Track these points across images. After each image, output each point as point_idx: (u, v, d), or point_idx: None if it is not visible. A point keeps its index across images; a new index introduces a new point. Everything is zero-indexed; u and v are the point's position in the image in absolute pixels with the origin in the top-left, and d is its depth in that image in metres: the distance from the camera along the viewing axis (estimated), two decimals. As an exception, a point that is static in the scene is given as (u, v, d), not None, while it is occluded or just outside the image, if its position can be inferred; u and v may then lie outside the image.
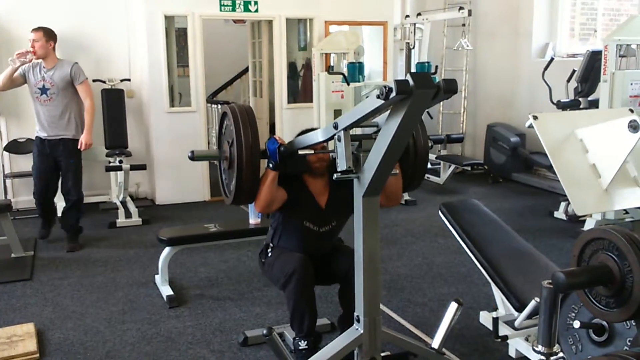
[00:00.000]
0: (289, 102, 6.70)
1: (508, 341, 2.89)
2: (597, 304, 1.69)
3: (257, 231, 3.92)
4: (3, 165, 6.00)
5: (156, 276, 4.03)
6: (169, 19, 6.23)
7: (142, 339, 3.25)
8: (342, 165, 2.27)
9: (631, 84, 4.73)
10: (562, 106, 5.56)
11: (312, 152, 2.67)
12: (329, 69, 6.60)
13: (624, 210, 4.80)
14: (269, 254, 3.02)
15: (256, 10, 6.34)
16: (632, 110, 3.24)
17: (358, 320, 2.43)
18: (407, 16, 7.58)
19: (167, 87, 6.14)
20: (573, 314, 2.16)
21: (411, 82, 1.88)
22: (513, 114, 7.30)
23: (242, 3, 6.25)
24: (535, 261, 3.07)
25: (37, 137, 4.76)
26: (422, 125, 2.73)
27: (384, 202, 2.71)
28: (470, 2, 7.52)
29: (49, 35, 4.64)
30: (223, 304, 3.71)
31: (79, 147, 4.66)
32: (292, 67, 7.04)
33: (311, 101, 6.43)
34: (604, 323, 2.04)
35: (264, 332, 2.46)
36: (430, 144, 2.95)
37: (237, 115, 2.50)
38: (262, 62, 7.32)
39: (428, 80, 1.94)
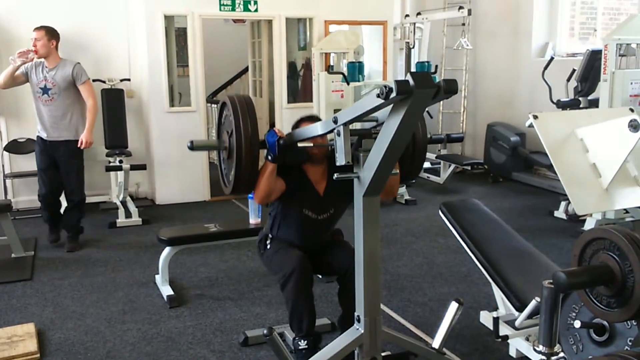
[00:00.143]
0: (288, 102, 6.70)
1: (508, 341, 2.89)
2: (598, 304, 1.69)
3: (257, 231, 3.88)
4: (3, 165, 6.00)
5: (156, 276, 4.03)
6: (168, 19, 6.22)
7: (143, 339, 3.25)
8: (341, 159, 2.27)
9: (631, 83, 4.73)
10: (562, 105, 5.56)
11: (312, 144, 2.67)
12: (329, 69, 6.60)
13: (624, 209, 4.80)
14: (268, 246, 3.03)
15: (256, 10, 6.34)
16: (632, 110, 3.23)
17: (358, 320, 2.43)
18: (407, 15, 7.58)
19: (167, 86, 6.14)
20: (574, 314, 2.16)
21: (411, 82, 1.88)
22: (513, 114, 7.30)
23: (241, 3, 6.25)
24: (535, 261, 3.07)
25: (38, 136, 4.74)
26: (422, 117, 2.70)
27: (381, 196, 2.72)
28: (470, 1, 7.53)
29: (51, 34, 4.60)
30: (223, 304, 3.71)
31: (79, 145, 4.63)
32: (291, 66, 7.03)
33: (311, 101, 6.42)
34: (605, 323, 2.04)
35: (265, 332, 2.45)
36: (429, 135, 2.95)
37: (236, 106, 2.50)
38: (261, 61, 7.32)
39: (428, 80, 1.94)
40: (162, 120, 6.16)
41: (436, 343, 2.44)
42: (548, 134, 3.00)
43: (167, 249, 3.82)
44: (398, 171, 2.59)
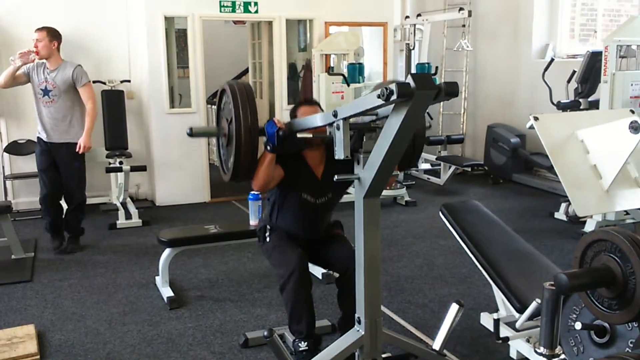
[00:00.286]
0: (289, 103, 6.69)
1: (509, 342, 2.89)
2: (600, 306, 1.68)
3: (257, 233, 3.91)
4: (3, 167, 6.00)
5: (156, 277, 4.03)
6: (169, 20, 6.22)
7: (143, 340, 3.24)
8: (339, 153, 2.28)
9: (631, 85, 4.74)
10: (562, 107, 5.57)
11: (311, 135, 2.67)
12: (329, 70, 6.60)
13: (625, 211, 4.80)
14: (267, 239, 3.03)
15: (256, 11, 6.34)
16: (633, 111, 3.23)
17: (359, 322, 2.43)
18: (407, 17, 7.58)
19: (167, 88, 6.14)
20: (574, 316, 2.15)
21: (412, 84, 1.88)
22: (513, 115, 7.30)
23: (242, 4, 6.25)
24: (536, 262, 3.07)
25: (38, 137, 4.71)
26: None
27: None
28: (470, 3, 7.53)
29: (53, 35, 4.57)
30: (223, 305, 3.71)
31: (77, 149, 4.61)
32: (292, 68, 7.04)
33: (311, 102, 6.41)
34: (606, 325, 2.04)
35: (265, 333, 2.45)
36: (428, 124, 2.96)
37: (236, 94, 2.49)
38: (262, 63, 7.32)
39: (429, 81, 1.94)
40: (162, 122, 6.16)
41: (437, 345, 2.44)
42: (549, 135, 3.00)
43: (167, 251, 3.82)
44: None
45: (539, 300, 2.50)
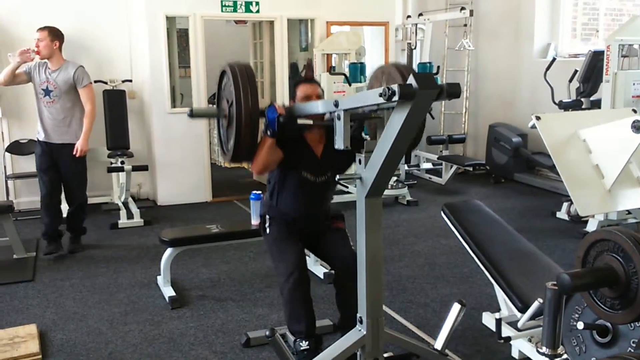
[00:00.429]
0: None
1: (511, 342, 2.88)
2: (602, 306, 1.68)
3: (259, 232, 3.90)
4: (5, 167, 6.00)
5: (158, 277, 4.03)
6: (170, 20, 6.23)
7: (145, 340, 3.24)
8: (339, 144, 2.28)
9: (633, 84, 4.73)
10: (564, 106, 5.56)
11: (311, 122, 2.66)
12: (331, 70, 6.60)
13: (627, 210, 4.79)
14: (267, 230, 3.03)
15: (257, 11, 6.34)
16: (635, 111, 3.23)
17: (361, 322, 2.42)
18: (409, 16, 7.58)
19: (168, 87, 6.14)
20: (576, 315, 2.15)
21: (414, 84, 1.88)
22: (515, 114, 7.29)
23: (243, 4, 6.25)
24: (537, 262, 3.06)
25: (38, 139, 4.65)
26: None
27: None
28: (471, 2, 7.52)
29: (54, 35, 4.53)
30: (225, 305, 3.71)
31: (74, 152, 4.53)
32: (293, 67, 7.04)
33: (313, 102, 6.42)
34: (608, 324, 2.03)
35: (267, 333, 2.45)
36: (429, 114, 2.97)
37: (237, 77, 2.48)
38: (263, 62, 7.32)
39: (431, 81, 1.94)
40: (163, 121, 6.16)
41: (438, 344, 2.44)
42: (551, 134, 3.00)
43: (168, 250, 3.82)
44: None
45: (540, 300, 2.50)
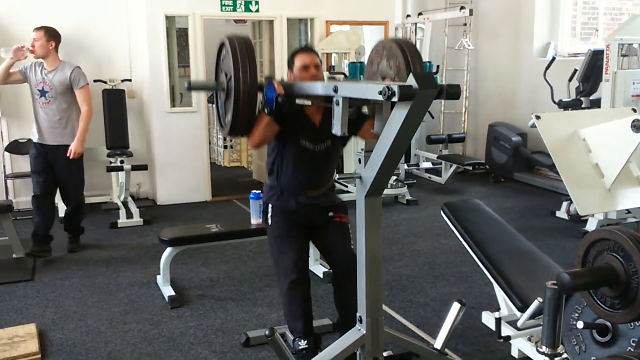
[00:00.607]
0: (290, 102, 6.69)
1: (510, 341, 2.88)
2: (602, 305, 1.68)
3: (258, 231, 3.91)
4: (4, 166, 6.00)
5: (158, 276, 4.02)
6: (169, 19, 6.22)
7: (144, 339, 3.24)
8: (337, 129, 2.27)
9: (633, 84, 4.73)
10: (563, 105, 5.56)
11: (309, 103, 2.65)
12: (330, 69, 6.60)
13: (627, 210, 4.79)
14: (269, 221, 2.98)
15: (257, 10, 6.34)
16: (635, 110, 3.23)
17: (360, 321, 2.42)
18: (408, 16, 7.58)
19: (168, 87, 6.13)
20: (576, 315, 2.15)
21: (415, 84, 1.87)
22: (514, 114, 7.29)
23: (243, 3, 6.25)
24: (537, 261, 3.06)
25: (33, 141, 4.58)
26: (420, 58, 2.52)
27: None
28: (471, 1, 7.51)
29: (51, 35, 4.48)
30: (225, 304, 3.71)
31: (67, 154, 4.47)
32: (293, 67, 7.02)
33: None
34: (608, 323, 2.03)
35: (266, 332, 2.45)
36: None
37: (236, 51, 2.47)
38: (263, 62, 7.31)
39: (431, 80, 1.93)
40: (163, 121, 6.16)
41: (438, 343, 2.44)
42: (550, 134, 3.00)
43: (168, 250, 3.82)
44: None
45: (540, 299, 2.50)
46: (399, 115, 1.99)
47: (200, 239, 3.97)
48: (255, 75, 2.46)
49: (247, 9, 6.30)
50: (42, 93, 4.49)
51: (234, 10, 6.26)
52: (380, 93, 1.92)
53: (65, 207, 4.86)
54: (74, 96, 4.52)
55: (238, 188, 6.86)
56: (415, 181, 7.08)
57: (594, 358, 2.07)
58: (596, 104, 5.35)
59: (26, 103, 5.50)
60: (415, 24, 7.32)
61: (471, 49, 7.57)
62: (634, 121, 2.75)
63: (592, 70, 5.45)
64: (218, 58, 2.70)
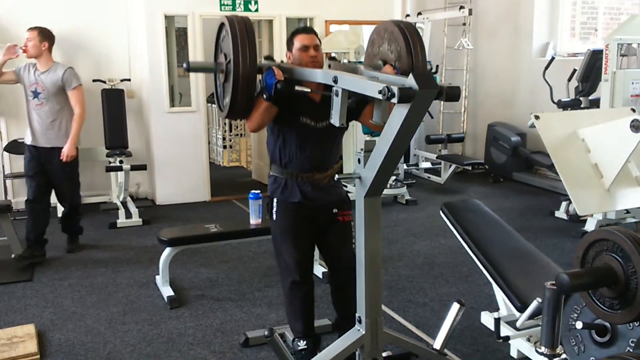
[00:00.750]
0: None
1: (510, 342, 2.88)
2: (601, 306, 1.68)
3: (258, 231, 3.91)
4: (3, 166, 5.99)
5: (157, 277, 4.02)
6: (169, 19, 6.22)
7: (143, 339, 3.24)
8: (335, 120, 2.27)
9: (632, 83, 4.73)
10: (562, 105, 5.56)
11: (309, 90, 2.60)
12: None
13: (626, 210, 4.79)
14: (274, 216, 2.89)
15: (256, 10, 6.34)
16: (634, 110, 3.23)
17: (359, 321, 2.42)
18: (408, 15, 7.57)
19: (167, 87, 6.13)
20: (575, 315, 2.15)
21: (414, 85, 1.87)
22: (514, 114, 7.29)
23: (242, 2, 6.25)
24: (536, 261, 3.07)
25: (27, 144, 4.52)
26: (422, 45, 2.50)
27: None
28: (470, 1, 7.52)
29: (44, 35, 4.42)
30: (224, 304, 3.71)
31: (60, 157, 4.41)
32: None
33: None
34: (607, 324, 2.03)
35: (265, 333, 2.45)
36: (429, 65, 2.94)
37: (236, 34, 2.45)
38: (262, 61, 7.31)
39: (431, 81, 1.93)
40: (162, 121, 6.15)
41: (437, 344, 2.43)
42: (550, 134, 3.00)
43: (167, 250, 3.82)
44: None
45: (539, 300, 2.50)
46: (398, 115, 1.99)
47: (199, 239, 3.97)
48: (254, 58, 2.45)
49: (247, 9, 6.30)
50: (35, 94, 4.43)
51: (233, 9, 6.25)
52: (380, 92, 1.92)
53: (62, 210, 4.84)
54: (66, 97, 4.45)
55: (237, 188, 6.86)
56: (414, 181, 7.08)
57: (593, 358, 2.07)
58: (595, 103, 5.35)
59: (25, 103, 5.50)
60: (415, 23, 7.31)
61: (470, 48, 7.56)
62: (633, 121, 2.75)
63: (591, 70, 5.45)
64: (218, 38, 2.68)
